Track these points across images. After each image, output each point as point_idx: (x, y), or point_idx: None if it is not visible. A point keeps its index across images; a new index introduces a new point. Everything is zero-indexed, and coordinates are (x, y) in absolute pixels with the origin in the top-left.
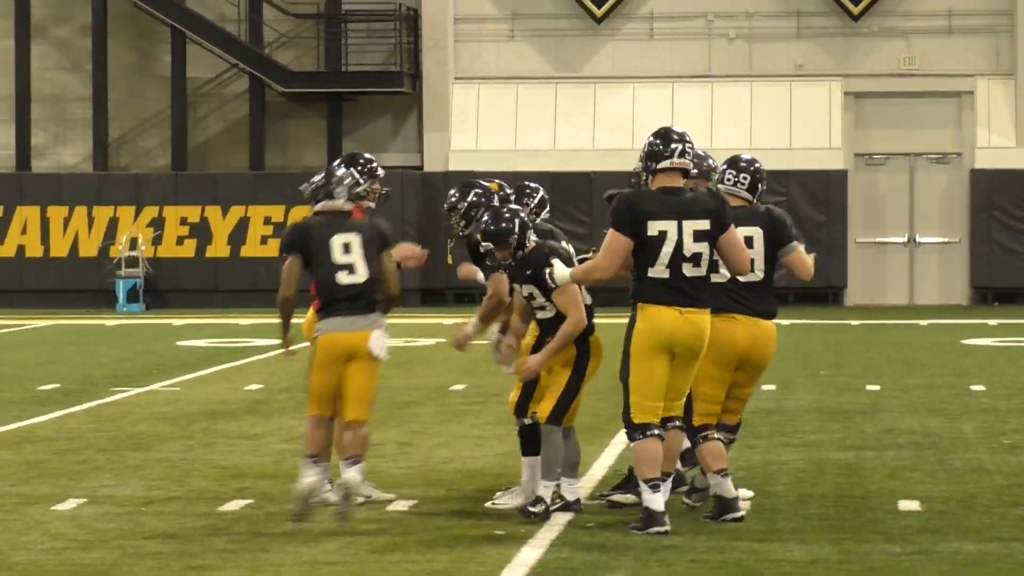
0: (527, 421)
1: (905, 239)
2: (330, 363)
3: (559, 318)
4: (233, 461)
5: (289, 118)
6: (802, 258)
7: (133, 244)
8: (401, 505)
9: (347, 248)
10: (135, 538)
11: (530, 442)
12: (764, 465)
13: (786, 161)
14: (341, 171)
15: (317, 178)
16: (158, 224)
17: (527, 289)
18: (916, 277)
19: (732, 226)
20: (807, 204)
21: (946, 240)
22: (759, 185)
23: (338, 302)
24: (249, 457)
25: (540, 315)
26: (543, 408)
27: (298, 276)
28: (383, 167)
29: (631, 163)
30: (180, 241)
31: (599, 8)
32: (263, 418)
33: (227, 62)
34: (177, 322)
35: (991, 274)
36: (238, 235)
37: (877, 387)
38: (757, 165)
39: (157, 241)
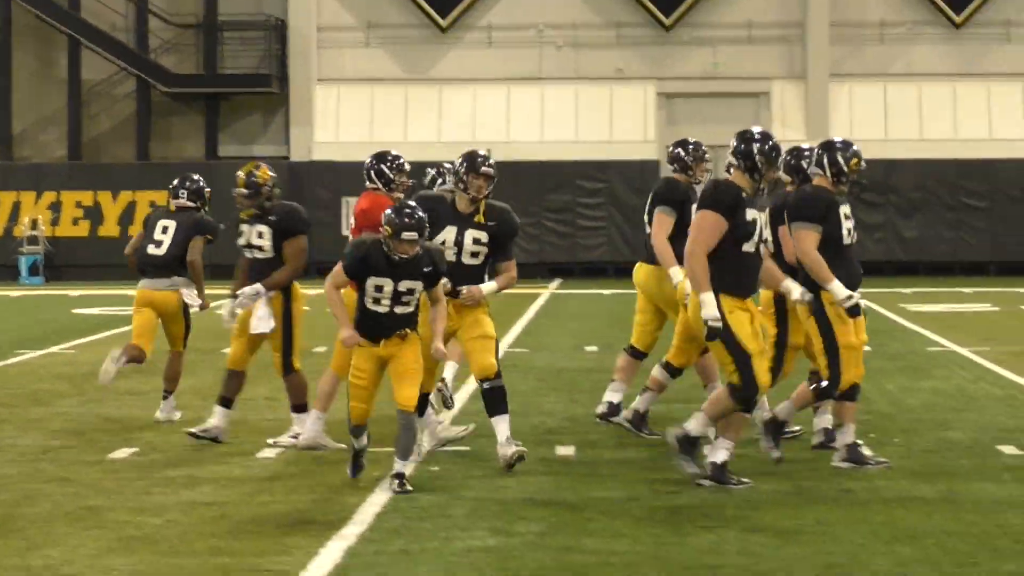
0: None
1: None
2: None
3: None
4: (122, 414)
5: (171, 115)
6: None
7: (34, 225)
8: (269, 452)
9: None
10: (34, 482)
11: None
12: (587, 416)
13: (607, 153)
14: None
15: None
16: (56, 207)
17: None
18: None
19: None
20: (625, 190)
21: None
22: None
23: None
24: (136, 411)
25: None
26: (412, 396)
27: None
28: (253, 158)
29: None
30: (75, 222)
31: (444, 19)
32: (148, 376)
33: (117, 66)
34: (73, 293)
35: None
36: (126, 217)
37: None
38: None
39: (55, 222)
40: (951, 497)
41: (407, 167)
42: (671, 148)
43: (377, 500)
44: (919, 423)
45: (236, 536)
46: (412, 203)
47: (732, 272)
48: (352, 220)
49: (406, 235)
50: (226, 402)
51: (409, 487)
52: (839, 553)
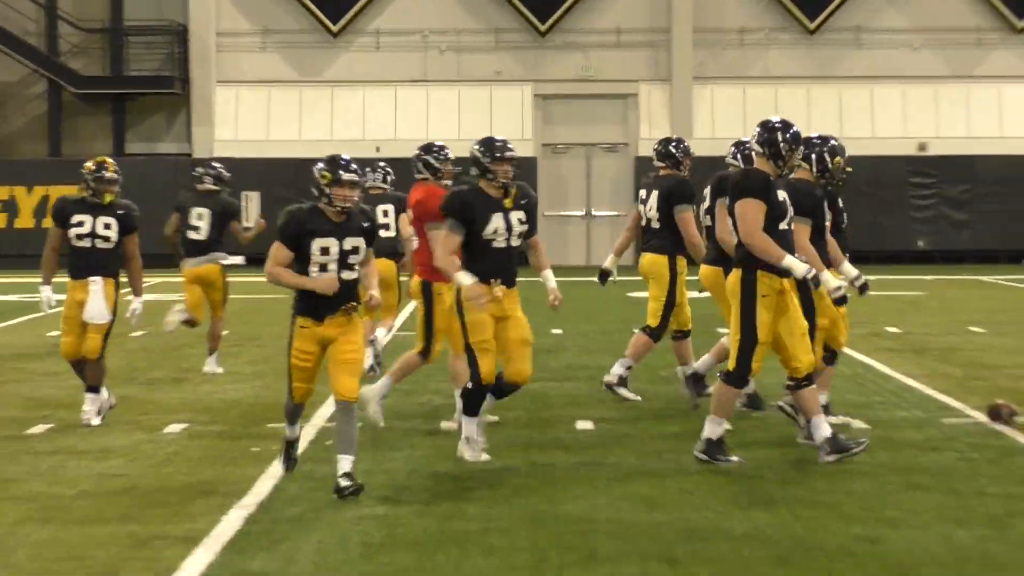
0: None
1: (583, 213)
2: None
3: None
4: (38, 394)
5: (81, 114)
6: None
7: None
8: (175, 428)
9: None
10: None
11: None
12: None
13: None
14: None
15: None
16: None
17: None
18: (592, 243)
19: None
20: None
21: (616, 213)
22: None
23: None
24: (51, 390)
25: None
26: (354, 387)
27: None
28: (157, 155)
29: (366, 152)
30: None
31: (335, 25)
32: (62, 359)
33: (29, 68)
34: None
35: None
36: (40, 210)
37: (560, 331)
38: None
39: None
40: (803, 467)
41: (451, 156)
42: (659, 147)
43: (275, 471)
44: (775, 400)
45: (144, 506)
46: (341, 154)
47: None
48: (409, 212)
49: (347, 176)
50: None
51: (359, 483)
52: (700, 519)
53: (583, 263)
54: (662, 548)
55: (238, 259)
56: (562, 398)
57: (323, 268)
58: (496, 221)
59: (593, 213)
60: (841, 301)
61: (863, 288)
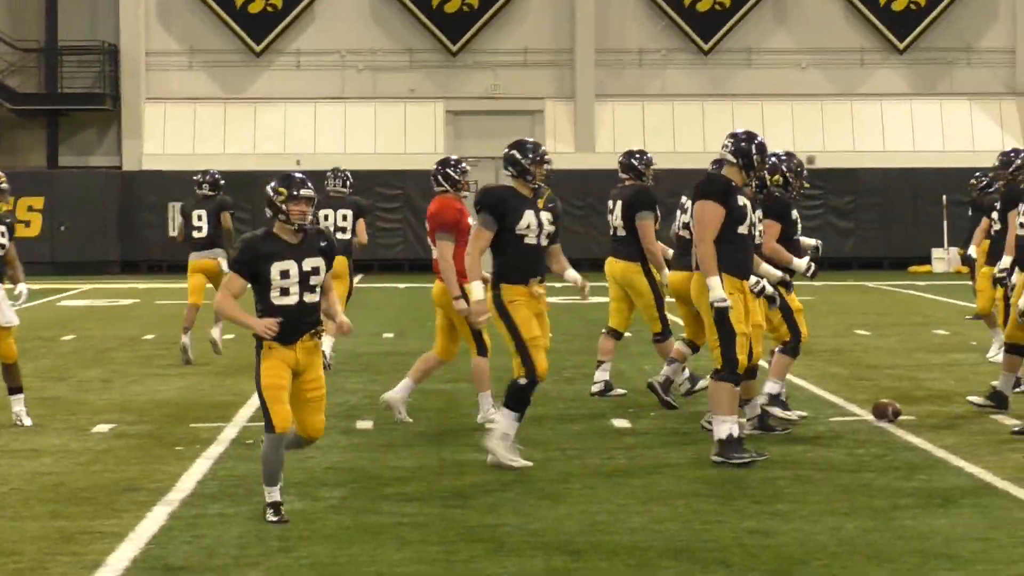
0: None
1: None
2: None
3: None
4: None
5: (16, 129)
6: None
7: None
8: (103, 427)
9: None
10: None
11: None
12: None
13: (403, 163)
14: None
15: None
16: None
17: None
18: None
19: None
20: (420, 197)
21: None
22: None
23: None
24: None
25: None
26: (322, 423)
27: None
28: (89, 168)
29: (287, 164)
30: None
31: (258, 45)
32: None
33: None
34: None
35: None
36: None
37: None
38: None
39: None
40: (699, 463)
41: (468, 168)
42: (622, 159)
43: (198, 469)
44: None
45: (73, 502)
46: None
47: (732, 254)
48: (426, 225)
49: (304, 192)
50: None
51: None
52: (603, 512)
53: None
54: (565, 540)
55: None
56: (471, 398)
57: (284, 292)
58: (529, 217)
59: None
60: (768, 298)
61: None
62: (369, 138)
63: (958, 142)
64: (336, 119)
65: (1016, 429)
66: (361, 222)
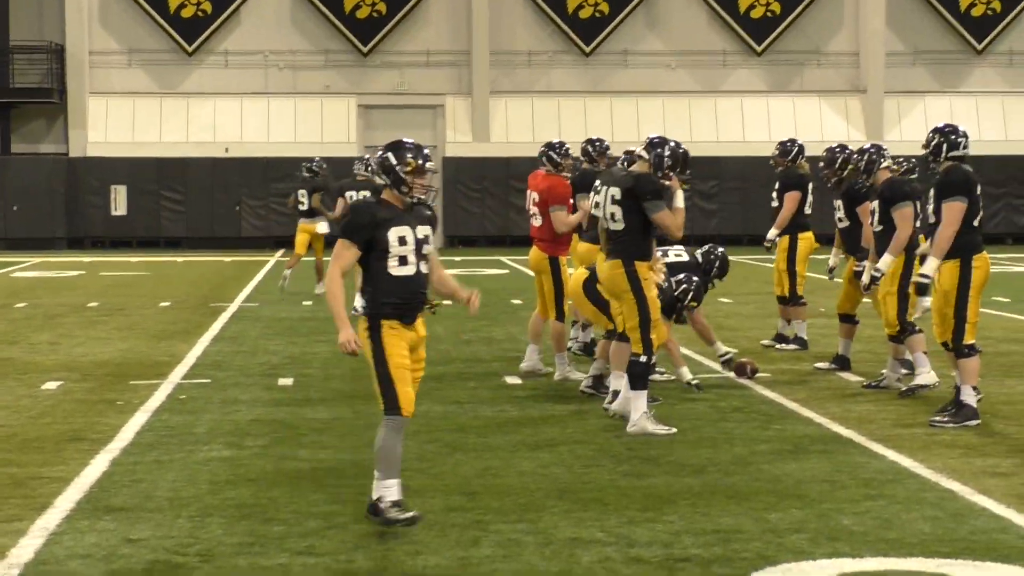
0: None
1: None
2: None
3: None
4: None
5: None
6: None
7: None
8: (51, 385)
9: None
10: None
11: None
12: (302, 355)
13: (320, 151)
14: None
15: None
16: None
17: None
18: None
19: None
20: (334, 180)
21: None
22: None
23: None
24: None
25: None
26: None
27: None
28: (39, 154)
29: (216, 152)
30: None
31: (190, 46)
32: None
33: None
34: None
35: (456, 225)
36: None
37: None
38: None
39: None
40: (581, 415)
41: (570, 151)
42: (584, 144)
43: (137, 421)
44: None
45: (23, 451)
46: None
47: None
48: (535, 196)
49: (430, 165)
50: None
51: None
52: (494, 459)
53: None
54: (461, 483)
55: (324, 226)
56: None
57: (403, 261)
58: (599, 196)
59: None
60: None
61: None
62: (290, 129)
63: (809, 134)
64: (260, 112)
65: (865, 384)
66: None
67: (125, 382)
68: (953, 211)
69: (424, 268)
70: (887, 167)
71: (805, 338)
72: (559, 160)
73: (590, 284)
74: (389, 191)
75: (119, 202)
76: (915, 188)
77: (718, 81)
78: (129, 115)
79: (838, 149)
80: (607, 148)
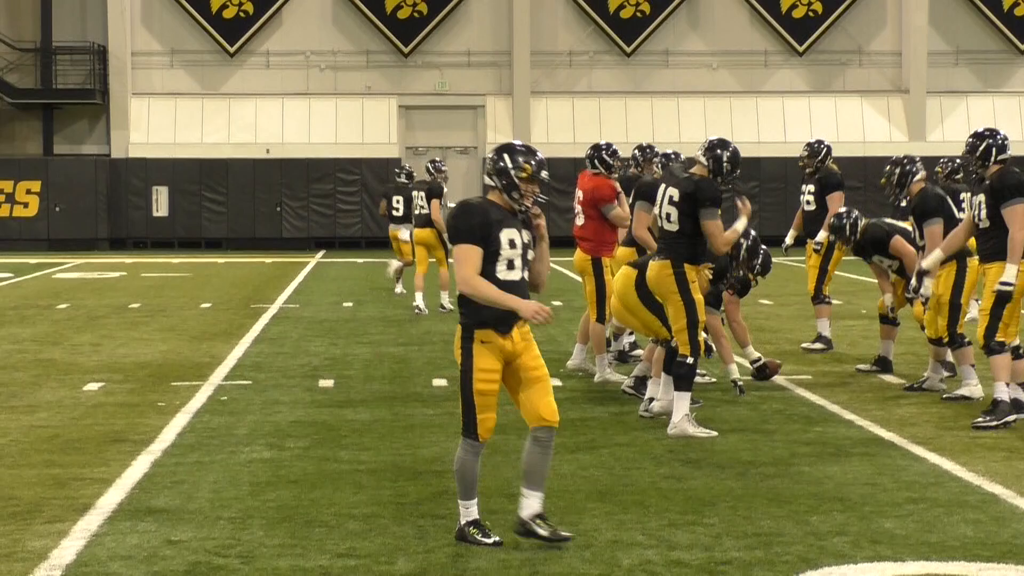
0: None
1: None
2: None
3: None
4: None
5: (15, 121)
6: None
7: None
8: (94, 386)
9: None
10: None
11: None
12: (343, 356)
13: (360, 152)
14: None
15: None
16: None
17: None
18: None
19: None
20: (375, 181)
21: None
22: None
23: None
24: None
25: None
26: (555, 407)
27: None
28: (81, 155)
29: (257, 153)
30: None
31: (232, 47)
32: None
33: None
34: None
35: None
36: None
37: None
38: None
39: None
40: (622, 418)
41: (620, 154)
42: (635, 150)
43: (178, 423)
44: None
45: (66, 452)
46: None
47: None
48: (580, 195)
49: (544, 174)
50: None
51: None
52: None
53: None
54: (502, 485)
55: (406, 233)
56: (421, 359)
57: (511, 265)
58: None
59: (449, 205)
60: None
61: None
62: (331, 130)
63: (850, 134)
64: (301, 113)
65: (907, 386)
66: (435, 203)
67: (166, 383)
68: (1018, 214)
69: (526, 274)
70: (922, 179)
71: (829, 336)
72: (610, 162)
73: (645, 290)
74: (498, 194)
75: (161, 203)
76: (956, 190)
77: (759, 81)
78: (171, 116)
79: (816, 143)
80: (657, 154)
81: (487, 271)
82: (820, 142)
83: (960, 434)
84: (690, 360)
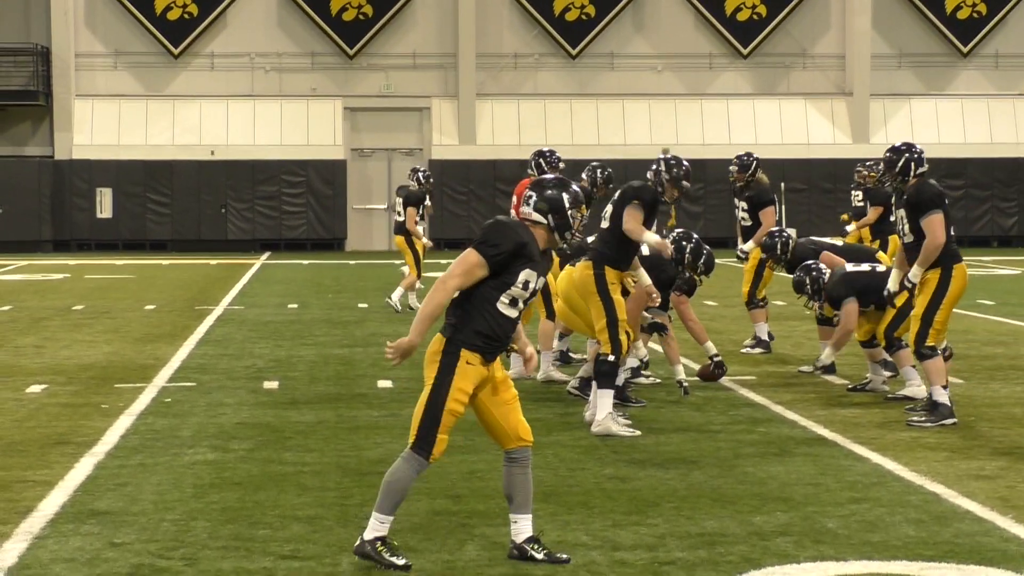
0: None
1: (385, 206)
2: None
3: None
4: None
5: None
6: None
7: None
8: (36, 388)
9: None
10: None
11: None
12: (288, 358)
13: (306, 154)
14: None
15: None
16: None
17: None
18: (393, 232)
19: None
20: (320, 183)
21: None
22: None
23: None
24: None
25: None
26: (528, 427)
27: None
28: (24, 156)
29: (202, 155)
30: None
31: (176, 48)
32: None
33: None
34: None
35: (442, 228)
36: None
37: (366, 305)
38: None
39: None
40: (566, 419)
41: (561, 158)
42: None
43: (121, 425)
44: None
45: (8, 454)
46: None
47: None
48: (516, 199)
49: (582, 212)
50: None
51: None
52: (480, 461)
53: (385, 248)
54: (447, 486)
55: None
56: (366, 361)
57: (514, 304)
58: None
59: (395, 207)
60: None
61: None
62: (276, 131)
63: (795, 137)
64: (246, 114)
65: (850, 387)
66: (410, 210)
67: (110, 385)
68: (935, 224)
69: (520, 315)
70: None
71: (766, 338)
72: (545, 168)
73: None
74: (543, 230)
75: (105, 205)
76: (943, 191)
77: (704, 84)
78: (115, 117)
79: (746, 157)
80: (560, 160)
81: (489, 297)
82: (749, 155)
83: (902, 434)
84: (611, 358)
